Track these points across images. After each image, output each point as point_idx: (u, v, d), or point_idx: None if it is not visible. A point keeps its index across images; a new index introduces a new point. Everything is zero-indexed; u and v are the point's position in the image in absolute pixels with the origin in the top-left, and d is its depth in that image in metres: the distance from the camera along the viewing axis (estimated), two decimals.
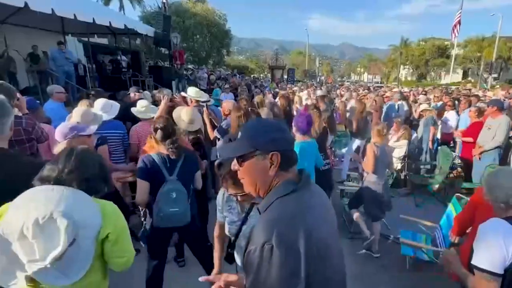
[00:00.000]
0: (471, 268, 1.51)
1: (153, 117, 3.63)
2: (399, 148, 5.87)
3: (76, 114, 2.88)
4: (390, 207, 3.87)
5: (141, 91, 5.60)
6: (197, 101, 4.25)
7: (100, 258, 1.41)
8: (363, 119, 6.07)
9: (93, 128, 2.51)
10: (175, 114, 3.43)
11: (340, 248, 1.15)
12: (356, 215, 3.80)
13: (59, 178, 1.30)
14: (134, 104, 4.11)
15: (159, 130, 2.40)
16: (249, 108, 3.93)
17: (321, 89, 11.60)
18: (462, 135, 5.41)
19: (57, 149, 2.31)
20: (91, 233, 1.29)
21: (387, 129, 3.81)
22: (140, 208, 2.60)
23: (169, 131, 2.41)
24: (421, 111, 6.52)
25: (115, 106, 3.65)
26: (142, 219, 2.56)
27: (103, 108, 3.48)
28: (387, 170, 3.98)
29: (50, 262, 1.17)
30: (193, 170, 2.55)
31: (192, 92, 4.30)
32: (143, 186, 2.33)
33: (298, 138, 3.37)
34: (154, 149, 2.54)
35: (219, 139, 3.83)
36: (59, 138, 2.32)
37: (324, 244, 0.98)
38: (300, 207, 0.99)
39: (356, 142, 6.10)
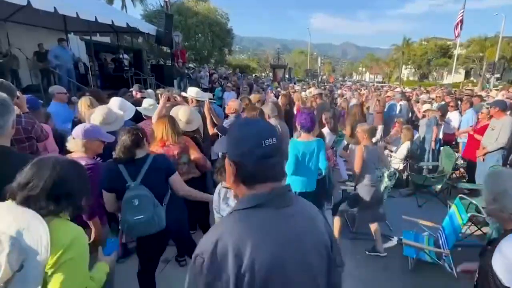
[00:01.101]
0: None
1: None
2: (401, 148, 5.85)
3: (100, 112, 2.85)
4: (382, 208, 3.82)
5: (143, 90, 5.58)
6: (197, 100, 4.24)
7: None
8: (359, 121, 6.02)
9: (111, 136, 2.45)
10: (172, 113, 3.42)
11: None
12: (337, 223, 3.72)
13: (27, 191, 1.22)
14: (136, 102, 4.10)
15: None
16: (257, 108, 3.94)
17: (317, 87, 11.57)
18: (474, 132, 5.34)
19: (70, 145, 2.28)
20: (38, 259, 1.18)
21: (374, 131, 3.76)
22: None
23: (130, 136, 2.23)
24: (424, 111, 6.49)
25: (131, 108, 3.62)
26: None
27: (121, 107, 3.43)
28: (385, 168, 3.96)
29: None
30: (162, 172, 2.30)
31: (192, 92, 4.29)
32: (108, 198, 2.21)
33: (302, 137, 3.37)
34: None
35: (220, 137, 3.83)
36: (77, 136, 2.26)
37: (266, 277, 0.84)
38: (247, 229, 0.87)
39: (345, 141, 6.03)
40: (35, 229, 1.19)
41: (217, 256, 0.84)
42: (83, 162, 2.13)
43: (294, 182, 3.35)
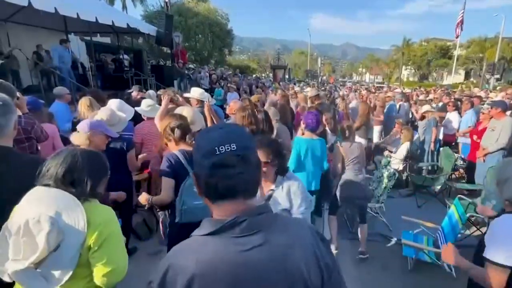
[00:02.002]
0: (476, 260, 1.61)
1: None
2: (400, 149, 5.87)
3: (103, 114, 2.87)
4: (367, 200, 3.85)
5: (144, 90, 5.59)
6: (201, 101, 4.24)
7: (87, 266, 1.33)
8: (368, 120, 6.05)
9: (114, 132, 2.53)
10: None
11: None
12: (332, 223, 3.71)
13: (56, 178, 1.31)
14: (136, 103, 4.12)
15: (176, 129, 2.43)
16: (254, 108, 3.94)
17: (317, 88, 11.50)
18: (472, 133, 5.33)
19: (73, 139, 2.33)
20: (75, 240, 1.25)
21: (350, 128, 3.81)
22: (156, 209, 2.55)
23: (185, 128, 2.46)
24: (424, 112, 6.51)
25: (130, 109, 3.63)
26: (160, 218, 2.52)
27: (119, 108, 3.45)
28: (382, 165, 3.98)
29: (29, 265, 1.17)
30: None
31: (196, 92, 4.29)
32: (168, 184, 2.31)
33: (306, 135, 3.45)
34: (174, 148, 2.55)
35: None
36: (82, 129, 2.32)
37: None
38: (199, 261, 0.77)
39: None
40: (73, 211, 1.27)
41: (166, 276, 0.79)
42: None
43: None
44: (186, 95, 4.55)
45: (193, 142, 2.41)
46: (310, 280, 0.81)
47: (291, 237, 0.84)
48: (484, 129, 5.01)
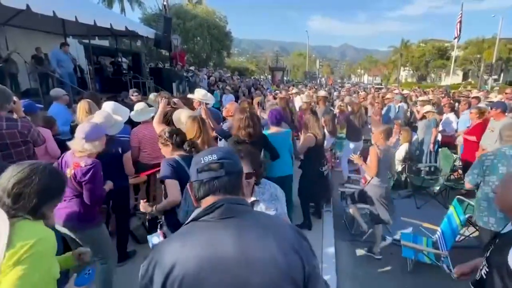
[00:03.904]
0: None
1: (152, 118, 3.62)
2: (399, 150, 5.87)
3: (99, 117, 2.85)
4: (392, 211, 3.84)
5: (136, 94, 5.52)
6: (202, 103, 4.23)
7: None
8: (359, 120, 6.04)
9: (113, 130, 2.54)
10: (174, 117, 3.42)
11: None
12: (352, 209, 3.77)
13: (5, 188, 1.27)
14: (133, 106, 4.10)
15: (175, 135, 2.47)
16: (253, 111, 3.94)
17: (325, 90, 11.55)
18: (465, 134, 5.38)
19: (73, 146, 2.28)
20: None
21: (390, 131, 3.75)
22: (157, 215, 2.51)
23: (183, 135, 2.51)
24: (425, 112, 6.51)
25: (125, 110, 3.61)
26: (163, 228, 2.43)
27: (114, 111, 3.43)
28: (388, 172, 3.96)
29: None
30: None
31: (199, 94, 4.29)
32: (174, 185, 2.30)
33: (273, 129, 3.67)
34: (170, 153, 2.55)
35: (220, 139, 3.85)
36: (80, 137, 2.24)
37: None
38: (176, 244, 0.94)
39: (351, 145, 6.05)
40: None
41: (150, 266, 0.92)
42: (82, 164, 2.15)
43: (274, 168, 3.42)
44: (190, 96, 4.55)
45: (188, 148, 2.43)
46: (291, 270, 0.91)
47: (266, 231, 0.95)
48: (474, 128, 5.08)
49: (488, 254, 1.58)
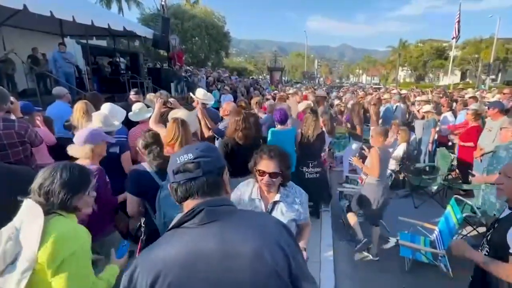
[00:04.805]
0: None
1: (149, 118, 3.61)
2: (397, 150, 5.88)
3: (97, 119, 2.84)
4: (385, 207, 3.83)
5: (132, 92, 5.47)
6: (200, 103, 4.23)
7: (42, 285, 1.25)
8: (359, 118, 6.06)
9: (111, 138, 2.47)
10: (170, 117, 3.41)
11: None
12: (353, 221, 3.71)
13: (33, 189, 1.34)
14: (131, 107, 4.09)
15: (144, 149, 2.36)
16: (248, 112, 3.94)
17: (322, 89, 11.56)
18: (461, 139, 5.38)
19: (72, 151, 2.24)
20: (29, 253, 1.21)
21: (387, 132, 3.76)
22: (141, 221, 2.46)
23: (148, 141, 2.34)
24: (424, 112, 6.52)
25: (121, 111, 3.59)
26: (141, 234, 2.39)
27: (111, 112, 3.41)
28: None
29: None
30: None
31: (200, 94, 4.28)
32: (132, 201, 2.26)
33: (279, 127, 3.94)
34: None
35: (217, 139, 3.85)
36: (79, 142, 2.22)
37: None
38: (159, 251, 0.90)
39: (354, 145, 6.08)
40: (33, 223, 1.24)
41: (133, 275, 0.87)
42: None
43: None
44: (191, 95, 4.56)
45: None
46: (277, 265, 0.88)
47: (250, 229, 0.93)
48: (471, 131, 5.10)
49: (489, 237, 1.64)
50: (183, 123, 2.64)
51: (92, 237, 1.92)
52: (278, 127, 3.96)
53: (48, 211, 1.31)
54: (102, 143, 2.32)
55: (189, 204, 0.95)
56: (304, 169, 4.12)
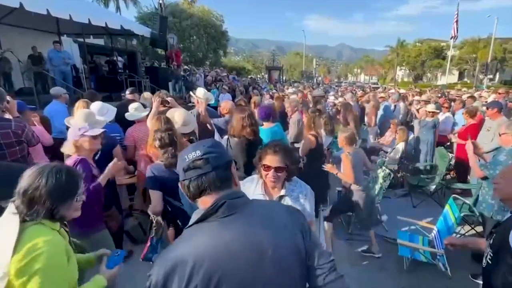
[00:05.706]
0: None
1: (146, 117, 3.60)
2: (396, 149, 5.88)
3: (80, 117, 2.84)
4: (376, 212, 3.83)
5: (128, 91, 5.44)
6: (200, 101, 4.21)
7: None
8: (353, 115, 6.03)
9: (97, 130, 2.46)
10: (168, 116, 3.40)
11: None
12: (328, 232, 3.66)
13: (18, 193, 1.25)
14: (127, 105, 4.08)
15: (157, 140, 2.40)
16: (252, 109, 3.94)
17: (319, 88, 11.52)
18: (459, 137, 5.39)
19: (63, 149, 2.33)
20: (1, 263, 1.15)
21: (353, 136, 3.65)
22: (153, 220, 2.42)
23: (165, 141, 2.37)
24: (430, 111, 6.50)
25: (111, 109, 3.59)
26: (153, 233, 2.39)
27: (99, 111, 3.41)
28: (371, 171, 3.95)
29: None
30: None
31: (200, 93, 4.26)
32: (156, 196, 2.26)
33: (265, 125, 3.68)
34: (155, 153, 2.50)
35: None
36: (68, 138, 2.32)
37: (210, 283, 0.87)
38: (191, 246, 0.91)
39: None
40: (8, 231, 1.19)
41: (160, 274, 0.88)
42: (70, 162, 2.15)
43: None
44: (191, 94, 4.54)
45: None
46: (297, 248, 0.97)
47: (267, 217, 0.99)
48: (470, 129, 5.11)
49: (491, 241, 1.65)
50: (167, 120, 2.68)
51: (78, 231, 1.89)
52: (266, 124, 3.76)
53: (31, 219, 1.23)
54: (82, 137, 2.30)
55: (205, 200, 0.97)
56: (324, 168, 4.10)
